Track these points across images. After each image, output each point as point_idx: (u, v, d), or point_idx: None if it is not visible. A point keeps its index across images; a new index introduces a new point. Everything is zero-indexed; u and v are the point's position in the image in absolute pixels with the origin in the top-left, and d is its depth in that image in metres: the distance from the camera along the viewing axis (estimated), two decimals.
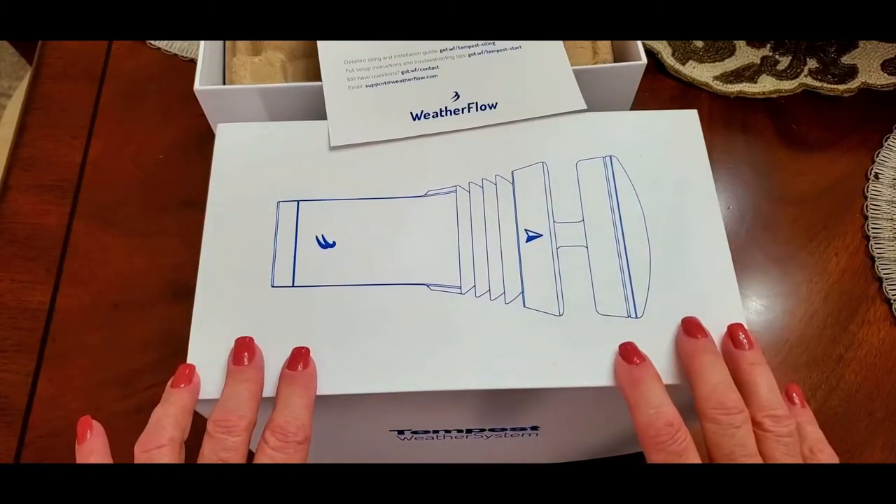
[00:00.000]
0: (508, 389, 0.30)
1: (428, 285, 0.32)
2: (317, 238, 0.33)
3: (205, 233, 0.33)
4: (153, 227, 0.48)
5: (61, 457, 0.42)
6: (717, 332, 0.31)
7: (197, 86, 0.39)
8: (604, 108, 0.37)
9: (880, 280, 0.47)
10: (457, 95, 0.37)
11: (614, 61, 0.44)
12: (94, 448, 0.28)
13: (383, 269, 0.32)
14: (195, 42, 0.55)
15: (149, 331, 0.45)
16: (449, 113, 0.37)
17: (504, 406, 0.33)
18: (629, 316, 0.31)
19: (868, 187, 0.50)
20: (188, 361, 0.30)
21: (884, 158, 0.51)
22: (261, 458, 0.27)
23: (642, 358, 0.29)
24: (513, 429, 0.35)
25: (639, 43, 0.41)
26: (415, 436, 0.36)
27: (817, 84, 0.54)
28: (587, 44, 0.44)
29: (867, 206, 0.49)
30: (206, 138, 0.49)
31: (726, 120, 0.53)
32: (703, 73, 0.54)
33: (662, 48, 0.55)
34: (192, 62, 0.55)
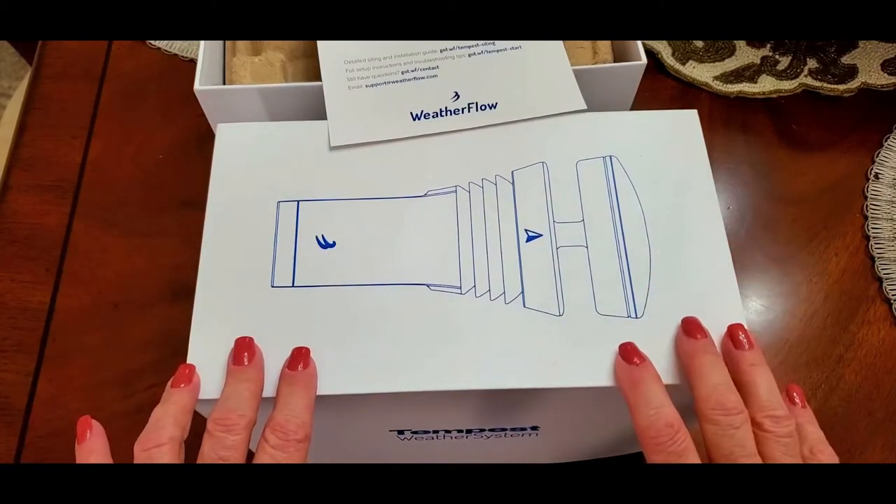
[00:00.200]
0: (508, 389, 0.30)
1: (428, 285, 0.32)
2: (317, 238, 0.33)
3: (205, 233, 0.33)
4: (153, 227, 0.48)
5: (61, 457, 0.42)
6: (717, 332, 0.31)
7: (197, 86, 0.39)
8: (604, 108, 0.37)
9: (880, 280, 0.47)
10: (457, 95, 0.37)
11: (614, 61, 0.44)
12: (93, 448, 0.28)
13: (383, 269, 0.32)
14: (195, 42, 0.55)
15: (149, 331, 0.45)
16: (449, 113, 0.37)
17: (504, 406, 0.33)
18: (629, 316, 0.31)
19: (868, 187, 0.50)
20: (188, 361, 0.30)
21: (884, 158, 0.51)
22: (261, 457, 0.27)
23: (642, 358, 0.29)
24: (513, 429, 0.35)
25: (639, 43, 0.41)
26: (415, 436, 0.36)
27: (817, 84, 0.54)
28: (587, 44, 0.44)
29: (867, 206, 0.49)
30: (206, 138, 0.49)
31: (726, 120, 0.53)
32: (703, 73, 0.54)
33: (662, 48, 0.55)
34: (192, 62, 0.55)
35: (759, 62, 0.55)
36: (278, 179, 0.35)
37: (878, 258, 0.47)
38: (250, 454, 0.28)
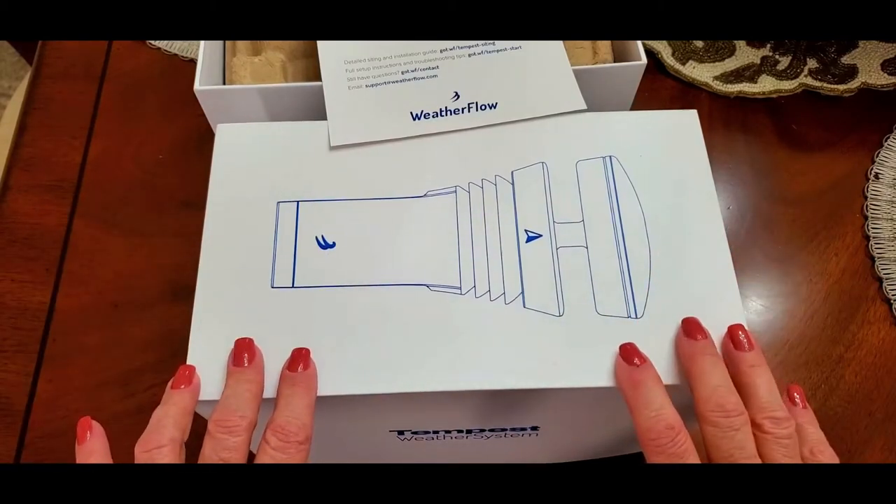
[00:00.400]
0: (508, 390, 0.30)
1: (428, 286, 0.32)
2: (316, 239, 0.33)
3: (205, 233, 0.33)
4: (153, 227, 0.48)
5: (61, 457, 0.42)
6: (717, 332, 0.31)
7: (197, 86, 0.39)
8: (604, 108, 0.37)
9: (880, 280, 0.47)
10: (457, 95, 0.37)
11: (614, 61, 0.44)
12: (93, 449, 0.28)
13: (383, 269, 0.32)
14: (195, 42, 0.55)
15: (149, 331, 0.45)
16: (449, 113, 0.37)
17: (504, 406, 0.33)
18: (629, 316, 0.31)
19: (868, 187, 0.50)
20: (188, 362, 0.30)
21: (884, 158, 0.51)
22: (262, 458, 0.27)
23: (643, 359, 0.29)
24: (513, 429, 0.35)
25: (639, 43, 0.41)
26: (415, 436, 0.36)
27: (817, 84, 0.54)
28: (587, 44, 0.44)
29: (867, 206, 0.49)
30: (206, 138, 0.49)
31: (726, 120, 0.53)
32: (703, 73, 0.54)
33: (662, 48, 0.55)
34: (192, 62, 0.55)
35: (759, 62, 0.55)
36: (278, 179, 0.35)
37: (878, 258, 0.47)
38: (251, 455, 0.28)
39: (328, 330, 0.31)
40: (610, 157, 0.35)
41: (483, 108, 0.37)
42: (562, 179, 0.35)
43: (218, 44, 0.44)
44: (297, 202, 0.34)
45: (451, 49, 0.39)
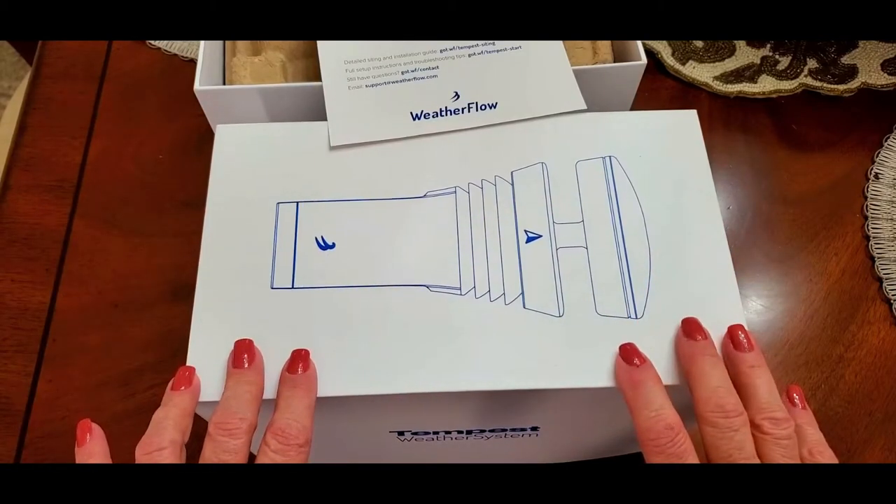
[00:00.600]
0: (508, 390, 0.30)
1: (428, 286, 0.32)
2: (316, 239, 0.33)
3: (204, 233, 0.33)
4: (153, 227, 0.48)
5: (61, 457, 0.42)
6: (716, 332, 0.31)
7: (197, 86, 0.39)
8: (604, 108, 0.37)
9: (880, 280, 0.47)
10: (457, 95, 0.37)
11: (614, 61, 0.44)
12: (93, 452, 0.28)
13: (383, 270, 0.32)
14: (195, 42, 0.55)
15: (149, 331, 0.45)
16: (449, 113, 0.37)
17: (504, 407, 0.33)
18: (629, 316, 0.31)
19: (868, 187, 0.50)
20: (188, 363, 0.30)
21: (884, 158, 0.51)
22: (262, 461, 0.27)
23: (643, 359, 0.29)
24: (513, 429, 0.35)
25: (639, 43, 0.41)
26: (415, 437, 0.36)
27: (817, 84, 0.54)
28: (587, 44, 0.44)
29: (867, 206, 0.49)
30: (206, 138, 0.49)
31: (726, 120, 0.53)
32: (703, 73, 0.54)
33: (662, 48, 0.55)
34: (192, 62, 0.55)
35: (759, 62, 0.55)
36: (278, 180, 0.35)
37: (878, 258, 0.47)
38: (251, 457, 0.28)
39: (328, 330, 0.31)
40: (610, 157, 0.35)
41: (483, 108, 0.37)
42: (562, 180, 0.35)
43: (218, 44, 0.44)
44: (297, 202, 0.34)
45: (451, 49, 0.39)
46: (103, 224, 0.49)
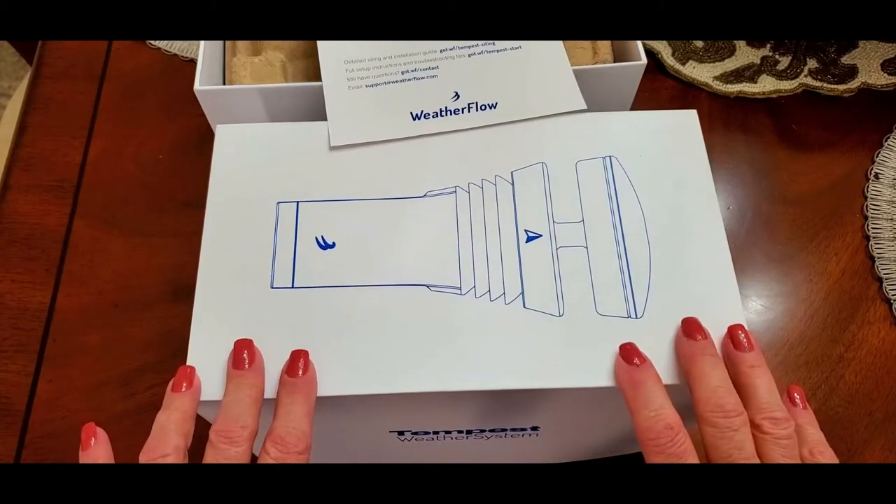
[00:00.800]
0: (508, 390, 0.30)
1: (428, 286, 0.32)
2: (316, 239, 0.33)
3: (204, 233, 0.33)
4: (153, 227, 0.48)
5: (61, 457, 0.42)
6: (716, 332, 0.31)
7: (197, 86, 0.39)
8: (604, 108, 0.37)
9: (880, 280, 0.47)
10: (457, 95, 0.37)
11: (614, 61, 0.44)
12: (97, 456, 0.28)
13: (383, 270, 0.32)
14: (195, 42, 0.55)
15: (149, 331, 0.45)
16: (449, 113, 0.37)
17: (504, 407, 0.33)
18: (629, 316, 0.31)
19: (868, 187, 0.50)
20: (188, 362, 0.30)
21: (884, 158, 0.51)
22: None
23: (643, 359, 0.29)
24: (513, 429, 0.35)
25: (639, 43, 0.41)
26: (415, 437, 0.36)
27: (817, 84, 0.54)
28: (587, 44, 0.44)
29: (867, 206, 0.49)
30: (206, 138, 0.50)
31: (726, 120, 0.53)
32: (703, 73, 0.54)
33: (662, 48, 0.55)
34: (192, 62, 0.55)
35: (759, 62, 0.55)
36: (278, 180, 0.35)
37: (878, 258, 0.47)
38: (253, 460, 0.28)
39: (328, 330, 0.31)
40: (610, 157, 0.35)
41: (483, 108, 0.37)
42: (562, 179, 0.35)
43: (218, 44, 0.44)
44: (297, 202, 0.34)
45: (451, 49, 0.39)
46: (103, 224, 0.49)
